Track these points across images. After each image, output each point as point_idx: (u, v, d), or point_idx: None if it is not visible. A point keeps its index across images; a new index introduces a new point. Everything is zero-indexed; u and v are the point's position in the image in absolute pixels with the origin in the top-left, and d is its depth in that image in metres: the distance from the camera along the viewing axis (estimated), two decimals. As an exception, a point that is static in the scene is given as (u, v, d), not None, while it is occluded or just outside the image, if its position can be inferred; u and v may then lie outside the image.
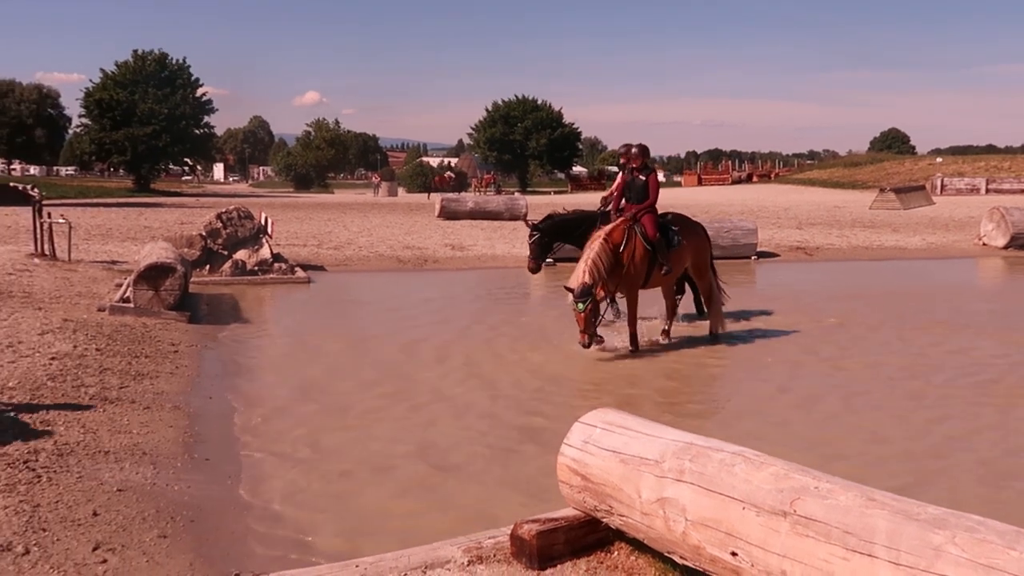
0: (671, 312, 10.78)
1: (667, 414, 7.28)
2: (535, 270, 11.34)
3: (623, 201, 10.38)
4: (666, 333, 10.61)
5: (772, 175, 79.19)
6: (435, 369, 9.25)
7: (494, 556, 3.73)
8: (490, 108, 79.35)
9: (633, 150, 10.29)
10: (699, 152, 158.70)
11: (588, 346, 9.29)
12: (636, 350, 9.85)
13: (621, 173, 11.43)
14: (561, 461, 3.81)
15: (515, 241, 21.93)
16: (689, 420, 7.02)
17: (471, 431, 7.16)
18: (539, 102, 78.55)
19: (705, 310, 11.27)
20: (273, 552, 4.78)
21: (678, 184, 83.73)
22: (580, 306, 9.04)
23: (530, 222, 11.61)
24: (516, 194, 43.88)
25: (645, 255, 9.82)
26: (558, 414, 7.28)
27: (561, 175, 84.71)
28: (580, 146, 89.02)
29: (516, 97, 78.97)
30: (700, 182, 75.95)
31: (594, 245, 9.51)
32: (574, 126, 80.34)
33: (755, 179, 76.48)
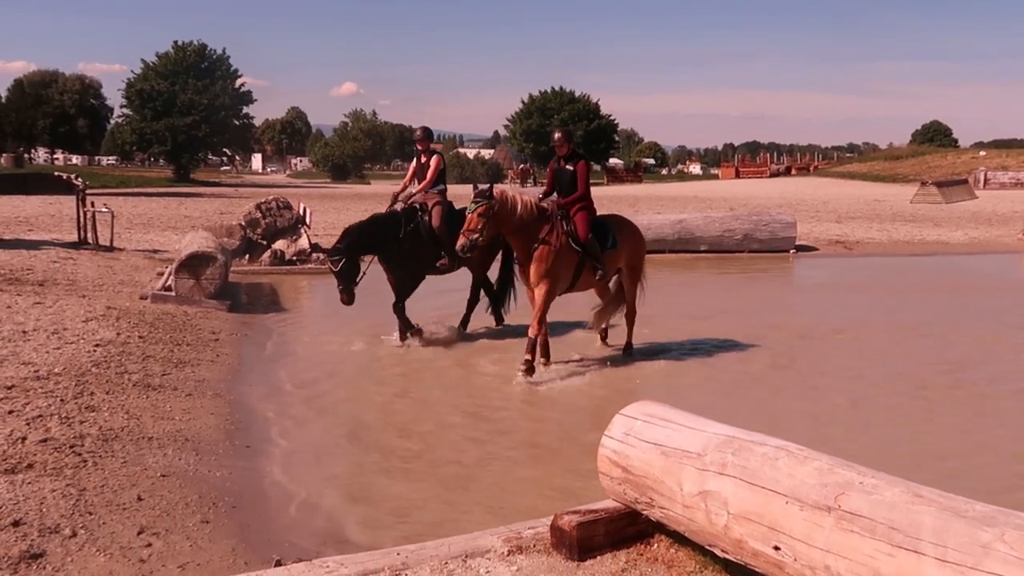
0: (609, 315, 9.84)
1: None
2: (350, 301, 9.72)
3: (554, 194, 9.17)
4: (605, 332, 9.91)
5: (811, 168, 78.41)
6: (467, 363, 9.28)
7: (534, 547, 3.74)
8: (526, 100, 79.33)
9: (557, 136, 9.11)
10: (736, 144, 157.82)
11: (465, 253, 8.38)
12: (544, 362, 8.80)
13: (415, 159, 10.52)
14: (602, 453, 3.81)
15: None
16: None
17: (491, 428, 7.20)
18: (576, 94, 78.42)
19: (503, 318, 10.64)
20: (313, 538, 4.84)
21: (715, 177, 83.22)
22: (472, 206, 8.26)
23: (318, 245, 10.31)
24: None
25: (572, 256, 8.69)
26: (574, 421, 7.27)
27: (597, 167, 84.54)
28: (617, 138, 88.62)
29: (553, 89, 78.94)
30: (738, 175, 75.40)
31: (530, 197, 8.71)
32: (611, 118, 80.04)
33: (794, 172, 75.81)
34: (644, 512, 3.68)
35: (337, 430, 6.89)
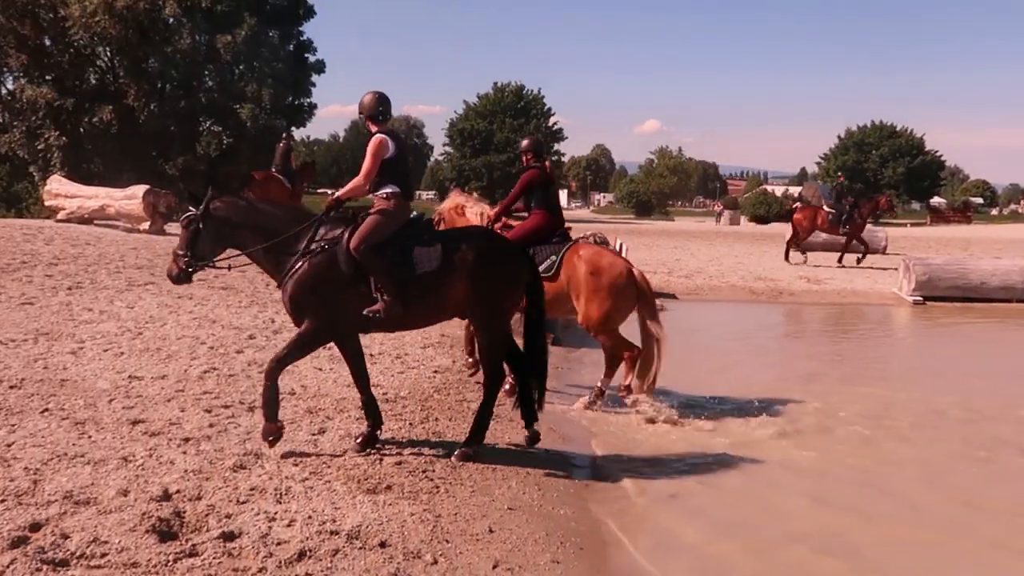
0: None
1: None
2: (180, 278, 6.16)
3: None
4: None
5: None
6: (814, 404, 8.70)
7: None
8: (843, 135, 75.82)
9: (524, 143, 9.12)
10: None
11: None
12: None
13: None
14: None
15: (876, 276, 20.57)
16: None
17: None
18: (898, 128, 73.79)
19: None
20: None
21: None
22: None
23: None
24: (870, 226, 41.34)
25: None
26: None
27: (917, 206, 78.89)
28: (942, 176, 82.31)
29: (872, 123, 74.78)
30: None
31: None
32: (937, 154, 74.53)
33: None
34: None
35: (698, 467, 6.61)
